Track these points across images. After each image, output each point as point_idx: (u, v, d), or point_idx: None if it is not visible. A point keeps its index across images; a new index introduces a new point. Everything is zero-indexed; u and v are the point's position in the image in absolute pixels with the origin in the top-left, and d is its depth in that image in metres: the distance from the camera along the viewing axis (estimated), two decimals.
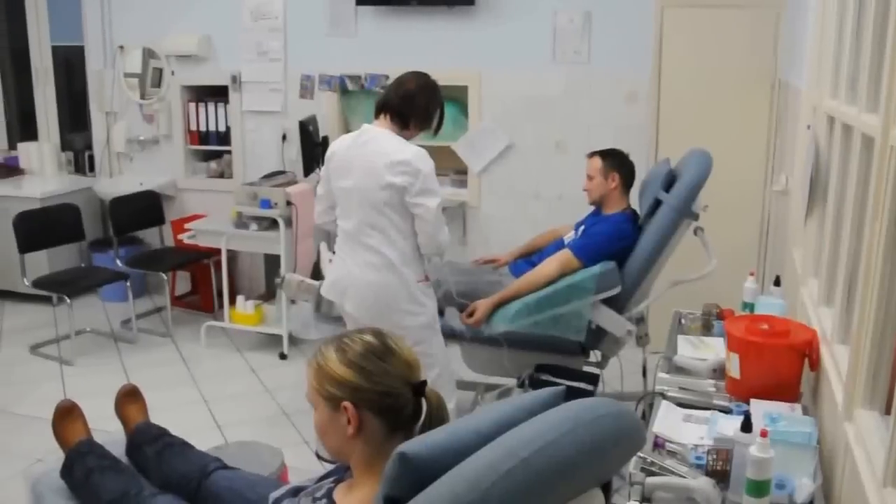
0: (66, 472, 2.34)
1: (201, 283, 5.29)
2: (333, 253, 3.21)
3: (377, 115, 2.99)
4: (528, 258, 3.63)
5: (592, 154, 3.54)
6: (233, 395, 4.18)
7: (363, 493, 1.58)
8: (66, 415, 2.50)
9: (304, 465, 3.30)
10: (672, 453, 1.94)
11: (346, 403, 1.56)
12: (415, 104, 2.95)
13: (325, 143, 4.83)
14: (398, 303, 2.95)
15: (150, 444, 2.42)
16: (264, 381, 4.35)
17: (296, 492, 1.75)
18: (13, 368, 4.54)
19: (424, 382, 1.61)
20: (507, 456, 1.34)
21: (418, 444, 1.42)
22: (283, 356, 4.59)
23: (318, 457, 3.49)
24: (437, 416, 1.61)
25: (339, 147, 3.03)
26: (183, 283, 5.49)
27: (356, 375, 1.57)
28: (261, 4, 5.18)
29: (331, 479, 1.73)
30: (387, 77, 4.95)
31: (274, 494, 1.81)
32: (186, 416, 3.80)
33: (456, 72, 4.76)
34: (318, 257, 4.73)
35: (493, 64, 4.85)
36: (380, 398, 1.57)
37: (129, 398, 2.59)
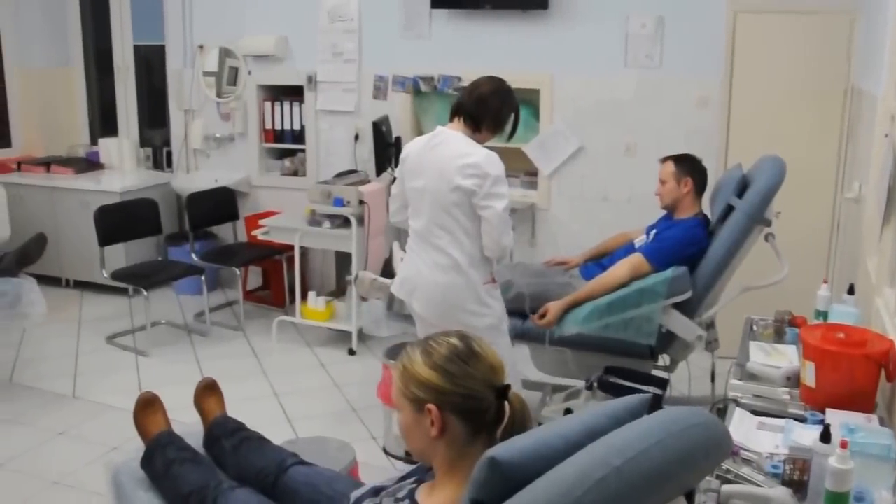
0: (147, 462, 2.40)
1: (273, 278, 5.40)
2: (405, 252, 3.26)
3: (451, 118, 3.03)
4: (599, 261, 3.64)
5: (666, 159, 3.53)
6: (302, 390, 4.27)
7: (446, 494, 1.60)
8: (147, 406, 2.57)
9: (373, 461, 3.37)
10: (747, 461, 1.93)
11: (430, 406, 1.58)
12: (487, 108, 2.97)
13: (397, 143, 4.90)
14: (464, 303, 2.98)
15: (227, 437, 2.46)
16: (333, 376, 4.43)
17: (376, 492, 1.78)
18: (91, 357, 4.70)
19: (508, 386, 1.62)
20: (600, 464, 1.34)
21: (508, 450, 1.43)
22: (351, 352, 4.67)
23: (386, 452, 3.58)
24: (520, 421, 1.61)
25: (413, 148, 3.07)
26: (254, 277, 5.62)
27: (440, 378, 1.58)
28: (337, 6, 5.27)
29: (412, 480, 1.76)
30: (459, 79, 5.00)
31: (355, 494, 1.85)
32: (257, 409, 3.88)
33: (528, 75, 4.78)
34: (391, 256, 4.82)
35: (564, 67, 4.86)
36: (463, 401, 1.59)
37: (208, 391, 2.65)
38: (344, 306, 4.81)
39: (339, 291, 5.07)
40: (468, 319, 2.94)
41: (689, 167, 3.47)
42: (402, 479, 1.80)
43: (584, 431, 1.48)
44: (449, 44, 5.06)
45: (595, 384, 3.21)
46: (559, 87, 4.90)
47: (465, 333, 1.68)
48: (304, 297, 4.83)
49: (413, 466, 1.84)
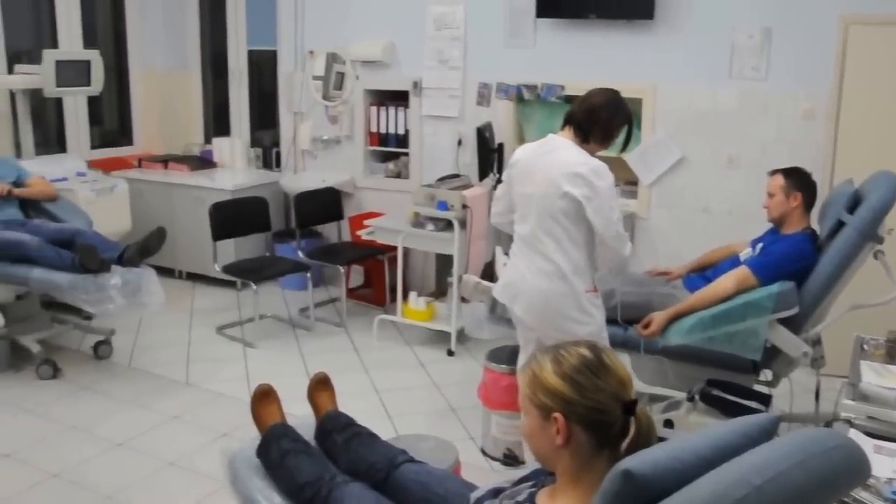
0: (263, 451, 2.48)
1: (374, 277, 5.56)
2: (508, 257, 3.33)
3: (563, 126, 3.08)
4: (702, 273, 3.64)
5: (775, 172, 3.50)
6: (402, 387, 4.39)
7: (567, 502, 1.61)
8: (264, 398, 2.66)
9: (471, 461, 3.45)
10: (866, 486, 1.93)
11: (557, 414, 1.58)
12: (597, 119, 2.99)
13: (499, 149, 4.99)
14: (566, 311, 3.01)
15: (339, 431, 2.52)
16: (432, 375, 4.54)
17: (496, 493, 1.80)
18: (202, 347, 4.94)
19: (636, 401, 1.61)
20: (740, 483, 1.33)
21: (642, 462, 1.43)
22: (450, 353, 4.77)
23: (484, 453, 3.66)
24: (645, 436, 1.60)
25: (523, 154, 3.12)
26: (356, 276, 5.79)
27: (569, 388, 1.59)
28: (444, 14, 5.39)
29: (530, 484, 1.77)
30: (562, 88, 5.06)
31: (475, 494, 1.88)
32: (359, 404, 3.97)
33: (631, 84, 4.77)
34: (493, 259, 4.90)
35: (668, 78, 4.85)
36: (590, 413, 1.58)
37: (321, 386, 2.73)
38: (444, 307, 4.92)
39: (440, 292, 5.19)
40: (569, 326, 2.99)
41: (799, 181, 3.44)
42: (520, 481, 1.82)
43: (717, 448, 1.48)
44: (553, 53, 5.12)
45: (697, 396, 3.22)
46: (662, 98, 4.90)
47: (596, 344, 1.68)
48: (405, 296, 4.96)
49: (521, 468, 1.86)
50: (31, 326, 4.69)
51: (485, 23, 5.28)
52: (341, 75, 5.92)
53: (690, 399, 3.27)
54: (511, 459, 3.59)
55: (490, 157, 4.91)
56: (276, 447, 2.43)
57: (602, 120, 3.00)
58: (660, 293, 3.50)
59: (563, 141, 3.01)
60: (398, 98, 5.71)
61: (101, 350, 4.71)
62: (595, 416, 1.58)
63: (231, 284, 5.84)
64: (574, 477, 1.61)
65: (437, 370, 4.60)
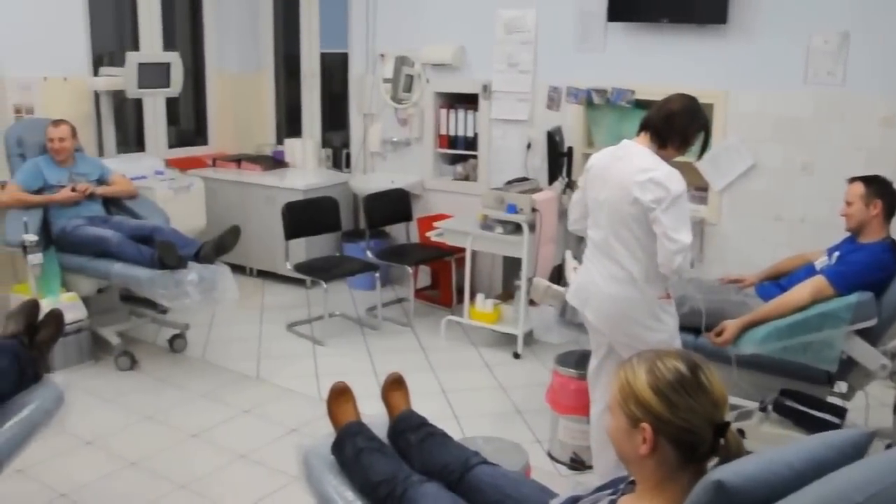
0: (337, 448, 2.49)
1: (441, 278, 5.61)
2: (578, 261, 3.33)
3: (639, 132, 3.06)
4: (776, 281, 3.58)
5: (854, 179, 3.43)
6: (468, 388, 4.42)
7: None
8: (340, 395, 2.69)
9: (538, 464, 3.45)
10: None
11: (646, 425, 1.55)
12: (674, 125, 2.97)
13: (569, 153, 4.99)
14: (638, 317, 3.00)
15: (413, 431, 2.53)
16: (498, 377, 4.56)
17: (574, 501, 1.79)
18: (272, 343, 5.04)
19: (728, 424, 1.56)
20: (840, 499, 1.32)
21: (736, 474, 1.41)
22: (516, 355, 4.79)
23: (551, 457, 3.67)
24: (735, 458, 1.54)
25: (597, 159, 3.11)
26: (423, 277, 5.84)
27: (661, 404, 1.54)
28: (514, 18, 5.41)
29: (609, 492, 1.75)
30: (632, 92, 5.03)
31: (554, 502, 1.88)
32: (426, 404, 3.98)
33: (702, 89, 4.70)
34: (562, 263, 4.90)
35: (741, 83, 4.78)
36: (679, 432, 1.54)
37: (395, 385, 2.74)
38: (511, 310, 4.94)
39: (507, 295, 5.20)
40: (641, 333, 2.98)
41: (879, 189, 3.36)
42: (599, 490, 1.80)
43: (809, 461, 1.45)
44: (623, 57, 5.09)
45: (769, 406, 3.17)
46: (734, 103, 4.83)
47: (695, 359, 1.61)
48: (472, 298, 4.99)
49: (587, 473, 1.82)
50: (110, 319, 4.87)
51: (555, 27, 5.28)
52: (410, 78, 5.99)
53: (763, 409, 3.22)
54: (578, 464, 3.59)
55: (559, 160, 4.91)
56: (350, 444, 2.46)
57: (680, 126, 2.97)
58: (732, 301, 3.46)
59: (638, 147, 3.00)
60: (468, 101, 5.75)
61: (177, 343, 4.86)
62: (684, 435, 1.54)
63: (300, 282, 5.96)
64: (657, 486, 1.59)
65: (503, 372, 4.62)
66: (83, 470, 3.52)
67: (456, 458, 2.38)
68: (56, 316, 2.87)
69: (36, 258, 4.37)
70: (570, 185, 4.98)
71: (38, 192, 4.70)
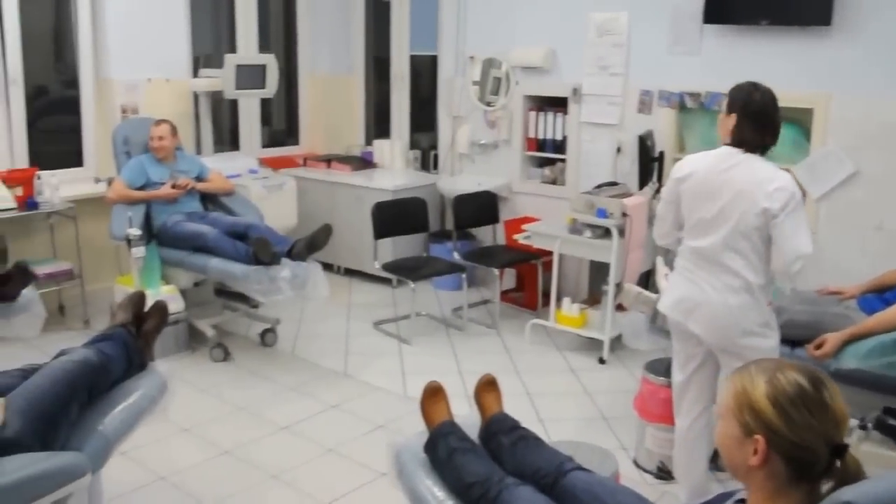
0: (430, 447, 2.51)
1: (527, 281, 5.61)
2: (670, 268, 3.28)
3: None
4: (880, 294, 3.46)
5: None
6: (553, 392, 4.41)
7: None
8: (433, 395, 2.70)
9: (624, 472, 3.41)
10: None
11: (759, 437, 1.50)
12: (776, 126, 2.90)
13: (660, 158, 4.93)
14: (752, 326, 2.91)
15: (505, 434, 2.53)
16: (584, 382, 4.53)
17: None
18: (359, 340, 5.13)
19: (846, 446, 1.50)
20: None
21: (864, 496, 1.38)
22: (602, 361, 4.75)
23: (637, 465, 3.63)
24: (852, 481, 1.50)
25: (697, 168, 2.98)
26: (508, 279, 5.85)
27: (778, 417, 1.49)
28: (606, 21, 5.38)
29: None
30: (727, 96, 4.92)
31: None
32: (511, 407, 4.00)
33: (802, 93, 4.63)
34: (652, 270, 4.84)
35: (844, 87, 4.63)
36: (793, 448, 1.49)
37: (488, 387, 2.75)
38: (597, 315, 4.91)
39: (593, 300, 5.17)
40: (753, 342, 2.89)
41: None
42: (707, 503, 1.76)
43: None
44: (719, 60, 4.99)
45: (870, 425, 3.07)
46: (837, 108, 4.68)
47: (818, 374, 1.55)
48: (558, 302, 4.97)
49: (673, 483, 1.77)
50: (205, 312, 5.03)
51: (649, 29, 5.22)
52: (497, 80, 6.01)
53: (863, 427, 3.11)
54: (665, 473, 3.55)
55: (650, 165, 4.86)
56: (444, 444, 2.47)
57: (778, 125, 2.90)
58: (832, 313, 3.36)
59: (747, 155, 2.86)
60: (557, 104, 5.73)
61: (268, 338, 4.98)
62: (798, 451, 1.49)
63: (386, 281, 6.04)
64: (768, 499, 1.54)
65: (588, 377, 4.59)
66: (180, 455, 3.65)
67: (549, 462, 2.36)
68: (161, 308, 2.98)
69: (139, 251, 4.54)
70: (660, 197, 4.91)
71: (142, 188, 4.90)
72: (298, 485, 3.44)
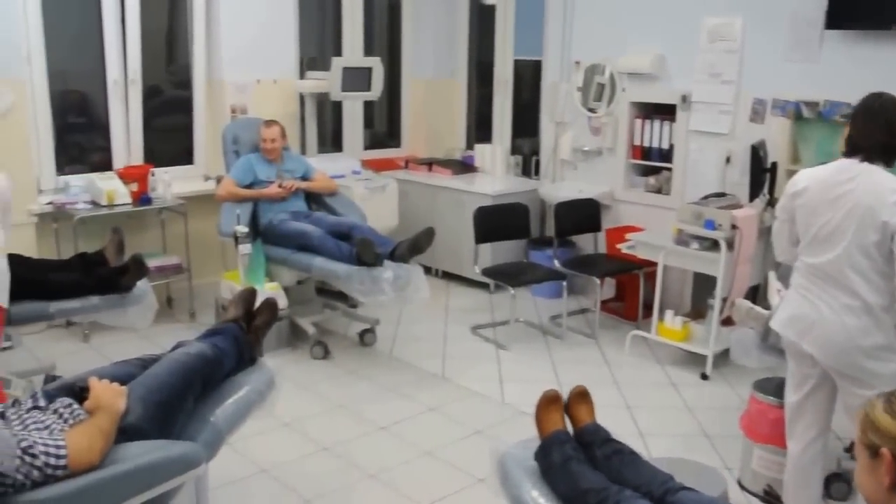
0: (543, 454, 2.46)
1: (628, 291, 5.50)
2: (783, 284, 3.15)
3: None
4: None
5: None
6: (653, 406, 4.31)
7: None
8: (551, 403, 2.63)
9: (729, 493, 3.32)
10: None
11: (885, 451, 1.51)
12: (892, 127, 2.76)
13: (773, 169, 4.76)
14: (872, 349, 2.77)
15: (599, 445, 2.48)
16: (685, 397, 4.41)
17: None
18: (457, 344, 5.12)
19: None
20: None
21: None
22: (704, 376, 4.62)
23: (741, 486, 3.51)
24: None
25: (812, 181, 2.87)
26: (607, 288, 5.76)
27: None
28: (719, 26, 5.23)
29: None
30: (848, 105, 4.70)
31: None
32: (609, 419, 3.93)
33: None
34: (760, 285, 4.69)
35: None
36: None
37: (580, 399, 2.68)
38: (700, 329, 4.77)
39: (696, 313, 5.03)
40: (872, 366, 2.75)
41: None
42: None
43: None
44: (840, 67, 4.78)
45: None
46: None
47: None
48: (660, 314, 4.85)
49: None
50: (306, 310, 5.12)
51: (764, 35, 5.05)
52: (601, 86, 5.92)
53: None
54: (772, 497, 3.41)
55: (762, 177, 4.70)
56: (558, 451, 2.43)
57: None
58: None
59: (867, 166, 2.75)
60: (664, 111, 5.61)
61: (367, 338, 5.04)
62: None
63: (483, 286, 6.03)
64: None
65: (689, 393, 4.47)
66: (281, 449, 3.72)
67: (651, 479, 2.30)
68: (271, 304, 3.04)
69: (245, 248, 4.65)
70: (772, 203, 4.75)
71: (250, 186, 5.02)
72: (396, 485, 3.46)
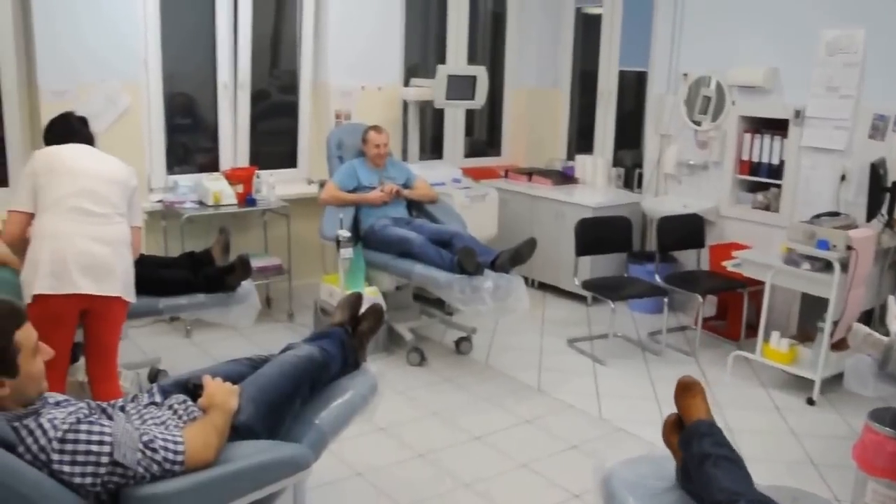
0: (685, 445, 2.33)
1: (731, 310, 5.34)
2: None
3: None
4: None
5: None
6: (756, 430, 4.16)
7: None
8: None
9: None
10: None
11: None
12: None
13: (893, 189, 4.56)
14: None
15: (710, 444, 2.30)
16: (790, 423, 4.25)
17: None
18: (553, 356, 5.07)
19: None
20: None
21: None
22: (811, 402, 4.43)
23: None
24: None
25: None
26: (708, 306, 5.60)
27: None
28: (839, 38, 5.03)
29: None
30: None
31: None
32: None
33: None
34: (875, 309, 4.50)
35: None
36: None
37: (691, 389, 2.51)
38: (808, 352, 4.59)
39: (803, 335, 4.85)
40: None
41: None
42: None
43: None
44: None
45: None
46: None
47: None
48: (766, 335, 4.69)
49: None
50: (403, 315, 5.16)
51: (888, 47, 4.81)
52: (707, 99, 5.78)
53: None
54: None
55: (881, 196, 4.50)
56: (697, 446, 2.28)
57: None
58: None
59: None
60: (776, 126, 5.42)
61: (463, 346, 5.04)
62: None
63: (580, 298, 5.96)
64: None
65: (795, 418, 4.30)
66: (377, 454, 3.75)
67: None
68: (377, 311, 3.07)
69: (347, 252, 4.72)
70: (891, 224, 4.55)
71: (352, 191, 5.08)
72: (491, 496, 3.43)
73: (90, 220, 3.23)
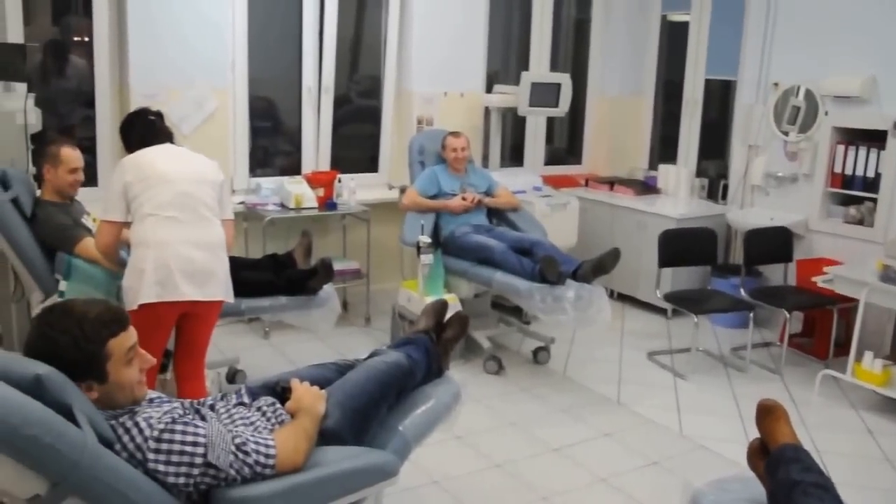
0: (770, 470, 2.22)
1: (819, 327, 5.17)
2: None
3: None
4: None
5: None
6: (846, 454, 4.00)
7: None
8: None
9: None
10: None
11: None
12: None
13: None
14: None
15: (799, 471, 2.16)
16: (883, 447, 4.08)
17: None
18: (632, 369, 4.98)
19: None
20: None
21: None
22: None
23: None
24: None
25: None
26: (794, 323, 5.43)
27: None
28: None
29: None
30: None
31: None
32: None
33: None
34: None
35: None
36: None
37: (773, 413, 2.36)
38: None
39: None
40: None
41: None
42: None
43: None
44: None
45: None
46: None
47: None
48: (858, 355, 4.52)
49: None
50: (481, 323, 5.13)
51: None
52: (796, 109, 5.60)
53: None
54: None
55: None
56: (784, 472, 2.16)
57: None
58: None
59: None
60: (872, 138, 5.22)
61: (540, 356, 4.99)
62: None
63: (660, 310, 5.85)
64: None
65: (889, 443, 4.13)
66: (453, 462, 3.73)
67: None
68: (462, 319, 3.06)
69: (427, 258, 4.72)
70: None
71: (433, 198, 5.09)
72: None
73: (189, 225, 3.28)
